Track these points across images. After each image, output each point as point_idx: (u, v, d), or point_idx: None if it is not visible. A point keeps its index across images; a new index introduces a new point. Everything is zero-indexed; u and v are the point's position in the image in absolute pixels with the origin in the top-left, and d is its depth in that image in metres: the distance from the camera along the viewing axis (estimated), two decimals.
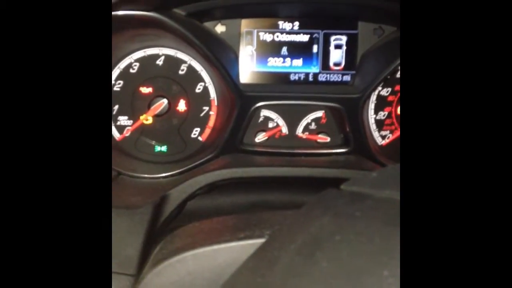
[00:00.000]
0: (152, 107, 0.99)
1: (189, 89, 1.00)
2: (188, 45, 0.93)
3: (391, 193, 0.39)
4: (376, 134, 1.05)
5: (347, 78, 1.02)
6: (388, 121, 1.05)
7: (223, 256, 0.48)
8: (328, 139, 1.03)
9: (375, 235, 0.33)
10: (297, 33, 1.00)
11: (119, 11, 0.83)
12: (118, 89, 0.99)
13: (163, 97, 0.99)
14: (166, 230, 0.81)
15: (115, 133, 1.01)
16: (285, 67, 1.01)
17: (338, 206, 0.40)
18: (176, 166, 0.97)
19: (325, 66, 1.02)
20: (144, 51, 0.98)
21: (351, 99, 0.97)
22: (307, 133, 1.03)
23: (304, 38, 1.00)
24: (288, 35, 1.00)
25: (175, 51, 0.99)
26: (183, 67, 1.00)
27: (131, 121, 1.01)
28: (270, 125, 1.03)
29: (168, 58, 0.99)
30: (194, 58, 0.99)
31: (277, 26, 1.00)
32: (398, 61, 0.95)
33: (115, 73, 0.98)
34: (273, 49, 1.01)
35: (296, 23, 1.00)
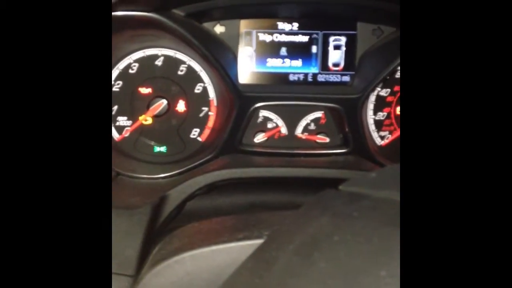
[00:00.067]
0: (151, 108, 0.99)
1: (188, 90, 1.00)
2: (187, 46, 0.93)
3: (389, 193, 0.39)
4: (375, 135, 1.05)
5: (346, 78, 1.02)
6: (387, 122, 1.05)
7: (222, 257, 0.48)
8: (328, 140, 1.03)
9: (373, 235, 0.33)
10: (296, 33, 1.00)
11: (118, 11, 0.83)
12: (117, 89, 0.99)
13: (162, 97, 0.99)
14: (165, 231, 0.81)
15: (114, 133, 1.01)
16: (284, 67, 1.01)
17: (336, 206, 0.40)
18: (175, 167, 0.97)
19: (324, 66, 1.02)
20: (143, 52, 0.98)
21: (350, 100, 0.98)
22: (306, 133, 1.03)
23: (303, 38, 1.00)
24: (287, 36, 1.00)
25: (174, 51, 0.99)
26: (182, 67, 1.00)
27: (130, 122, 1.01)
28: (269, 125, 1.03)
29: (167, 58, 0.99)
30: (193, 59, 0.99)
31: (276, 27, 1.00)
32: (397, 62, 0.95)
33: (114, 73, 0.98)
34: (272, 49, 1.01)
35: (295, 24, 1.00)
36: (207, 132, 1.03)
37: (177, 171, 0.96)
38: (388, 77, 0.99)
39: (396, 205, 0.37)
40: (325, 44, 1.01)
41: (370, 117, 1.04)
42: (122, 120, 1.01)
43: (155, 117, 1.00)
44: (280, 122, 1.02)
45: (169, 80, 1.00)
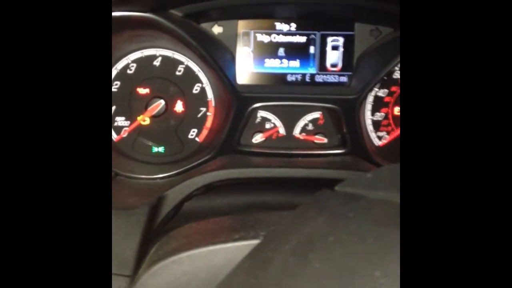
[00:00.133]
0: (149, 108, 0.99)
1: (186, 90, 1.01)
2: (185, 46, 0.93)
3: (385, 194, 0.39)
4: (373, 135, 1.05)
5: (344, 79, 1.02)
6: (385, 122, 1.05)
7: (219, 257, 0.48)
8: (325, 140, 1.03)
9: (368, 236, 0.33)
10: (294, 34, 1.00)
11: (116, 12, 0.83)
12: (115, 90, 0.99)
13: (160, 98, 0.99)
14: (162, 231, 0.81)
15: (112, 134, 1.01)
16: (282, 68, 1.02)
17: (332, 207, 0.40)
18: (173, 167, 0.97)
19: (322, 67, 1.02)
20: (141, 52, 0.99)
21: (348, 100, 0.98)
22: (304, 134, 1.03)
23: (301, 39, 1.01)
24: (285, 36, 1.00)
25: (172, 52, 0.99)
26: (180, 68, 1.00)
27: (128, 122, 1.01)
28: (267, 126, 1.03)
29: (165, 59, 0.99)
30: (191, 59, 0.99)
31: (274, 27, 1.00)
32: (395, 62, 0.96)
33: (112, 74, 0.98)
34: (270, 50, 1.01)
35: (293, 25, 1.00)
36: (205, 132, 1.03)
37: (175, 172, 0.96)
38: (386, 78, 0.99)
39: (391, 206, 0.37)
40: (323, 45, 1.01)
41: (368, 118, 1.04)
42: (120, 121, 1.01)
43: (153, 117, 1.00)
44: (278, 123, 1.03)
45: (167, 81, 1.00)
